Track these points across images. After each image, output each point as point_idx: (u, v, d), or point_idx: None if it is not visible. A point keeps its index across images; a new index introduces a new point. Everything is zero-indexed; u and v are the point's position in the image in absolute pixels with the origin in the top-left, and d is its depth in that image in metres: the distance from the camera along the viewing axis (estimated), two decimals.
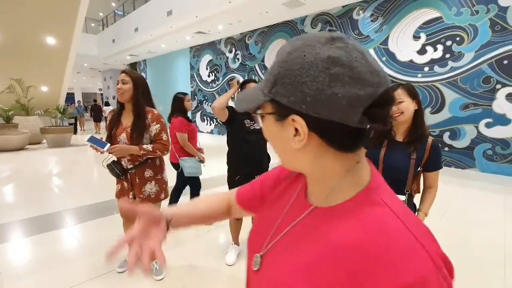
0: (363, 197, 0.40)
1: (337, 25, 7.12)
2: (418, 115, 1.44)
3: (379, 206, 0.39)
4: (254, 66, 9.53)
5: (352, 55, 0.36)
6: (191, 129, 2.80)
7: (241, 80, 2.15)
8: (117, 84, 1.84)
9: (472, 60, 5.20)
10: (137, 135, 1.84)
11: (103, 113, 13.42)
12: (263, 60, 9.19)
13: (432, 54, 5.65)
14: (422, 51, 5.78)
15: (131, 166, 1.90)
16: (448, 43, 5.44)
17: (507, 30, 4.82)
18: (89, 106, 15.06)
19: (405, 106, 1.41)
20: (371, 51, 6.50)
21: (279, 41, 8.58)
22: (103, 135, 1.96)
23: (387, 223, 0.36)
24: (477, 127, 5.22)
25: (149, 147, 1.86)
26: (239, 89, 2.12)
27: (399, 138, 1.47)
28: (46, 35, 7.73)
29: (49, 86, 9.19)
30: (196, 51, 11.98)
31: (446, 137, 5.58)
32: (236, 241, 2.39)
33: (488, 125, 5.14)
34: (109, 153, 1.80)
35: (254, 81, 2.13)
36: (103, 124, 13.87)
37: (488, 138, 5.16)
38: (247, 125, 2.03)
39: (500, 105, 4.99)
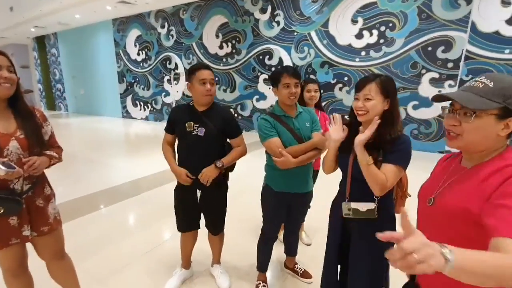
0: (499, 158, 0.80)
1: (278, 3, 6.84)
2: (388, 117, 1.24)
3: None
4: (191, 45, 8.72)
5: None
6: None
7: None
8: None
9: (402, 46, 5.54)
10: (38, 141, 1.39)
11: None
12: (201, 38, 8.45)
13: (368, 39, 5.86)
14: (359, 36, 5.94)
15: (29, 186, 1.36)
16: (382, 28, 5.68)
17: (431, 19, 5.21)
18: None
19: (372, 105, 1.21)
20: (313, 34, 6.46)
21: (218, 18, 7.94)
22: None
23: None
24: (406, 109, 5.69)
25: (53, 153, 1.46)
26: (187, 80, 1.76)
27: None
28: None
29: None
30: (121, 24, 10.42)
31: None
32: (185, 264, 1.99)
33: (414, 107, 5.64)
34: (29, 174, 1.29)
35: (207, 67, 1.73)
36: None
37: (414, 119, 5.69)
38: (188, 129, 1.74)
39: (424, 88, 5.49)
